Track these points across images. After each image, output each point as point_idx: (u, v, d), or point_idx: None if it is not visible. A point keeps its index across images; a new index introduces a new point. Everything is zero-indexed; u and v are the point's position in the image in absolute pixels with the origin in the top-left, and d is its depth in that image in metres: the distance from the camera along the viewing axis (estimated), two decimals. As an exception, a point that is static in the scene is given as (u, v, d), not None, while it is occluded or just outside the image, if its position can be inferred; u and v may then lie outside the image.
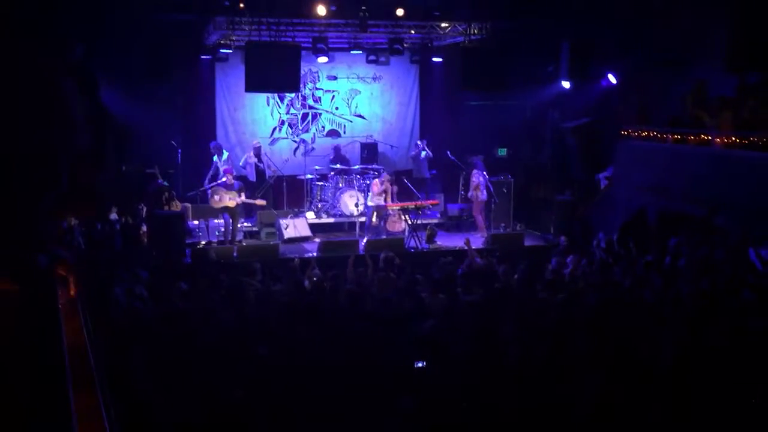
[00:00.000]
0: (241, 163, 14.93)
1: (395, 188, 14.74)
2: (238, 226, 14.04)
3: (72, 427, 1.95)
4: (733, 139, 12.00)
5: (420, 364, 6.35)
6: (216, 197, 13.26)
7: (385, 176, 14.40)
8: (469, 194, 14.69)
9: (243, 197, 13.34)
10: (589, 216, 14.28)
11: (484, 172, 14.60)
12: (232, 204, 13.22)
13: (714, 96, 13.03)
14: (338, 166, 15.35)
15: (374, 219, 14.22)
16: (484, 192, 14.54)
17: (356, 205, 14.52)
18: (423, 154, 15.73)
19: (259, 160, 14.85)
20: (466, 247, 11.65)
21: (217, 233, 13.81)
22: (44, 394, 2.10)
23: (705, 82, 13.03)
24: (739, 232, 10.72)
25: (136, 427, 3.47)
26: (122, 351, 4.96)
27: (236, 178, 13.70)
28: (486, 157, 15.65)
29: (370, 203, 14.25)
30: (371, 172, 15.41)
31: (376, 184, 14.25)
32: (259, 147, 15.05)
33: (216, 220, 14.12)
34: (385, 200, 14.22)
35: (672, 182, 12.78)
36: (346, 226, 14.77)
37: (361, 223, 14.50)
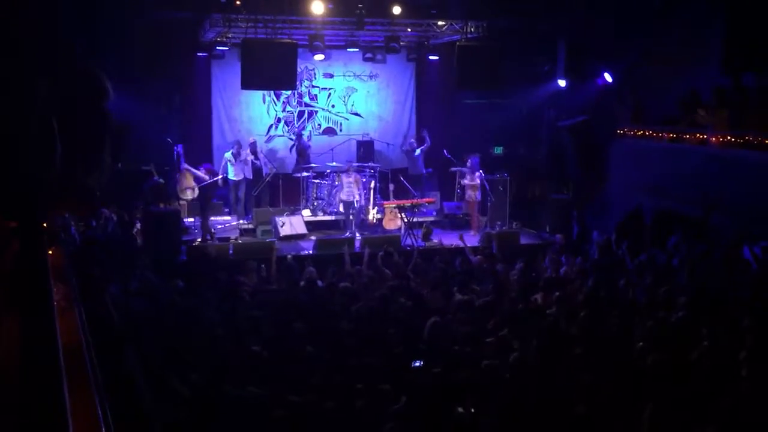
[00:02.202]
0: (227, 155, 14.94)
1: (363, 179, 14.81)
2: (234, 223, 14.07)
3: (67, 427, 1.95)
4: (729, 138, 12.03)
5: (417, 364, 6.34)
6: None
7: (350, 167, 14.44)
8: (467, 195, 14.63)
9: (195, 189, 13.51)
10: (585, 215, 14.30)
11: (480, 171, 14.64)
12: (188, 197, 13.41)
13: (709, 96, 13.06)
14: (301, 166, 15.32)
15: (351, 216, 14.20)
16: (480, 192, 14.59)
17: (341, 199, 14.52)
18: (417, 152, 15.67)
19: (256, 157, 14.84)
20: (461, 244, 11.68)
21: (212, 230, 13.79)
22: (39, 394, 2.10)
23: (697, 91, 13.04)
24: (735, 231, 10.75)
25: (131, 427, 3.46)
26: (118, 349, 4.96)
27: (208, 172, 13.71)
28: (482, 156, 15.67)
29: (343, 198, 14.25)
30: (367, 170, 15.40)
31: (344, 178, 14.30)
32: (255, 143, 15.04)
33: (212, 218, 14.11)
34: (359, 193, 14.27)
35: (667, 181, 12.81)
36: (342, 223, 14.77)
37: (362, 221, 14.51)
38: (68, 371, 2.25)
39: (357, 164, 15.11)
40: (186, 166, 13.82)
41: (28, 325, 2.55)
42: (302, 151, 15.44)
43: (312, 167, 15.27)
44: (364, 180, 14.84)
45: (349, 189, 14.17)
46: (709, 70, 12.71)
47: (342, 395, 5.80)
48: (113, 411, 2.54)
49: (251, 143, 14.99)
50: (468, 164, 14.62)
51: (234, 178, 14.35)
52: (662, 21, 13.65)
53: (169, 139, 14.74)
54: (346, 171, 14.33)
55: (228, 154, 14.42)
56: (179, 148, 14.07)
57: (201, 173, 13.47)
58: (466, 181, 14.61)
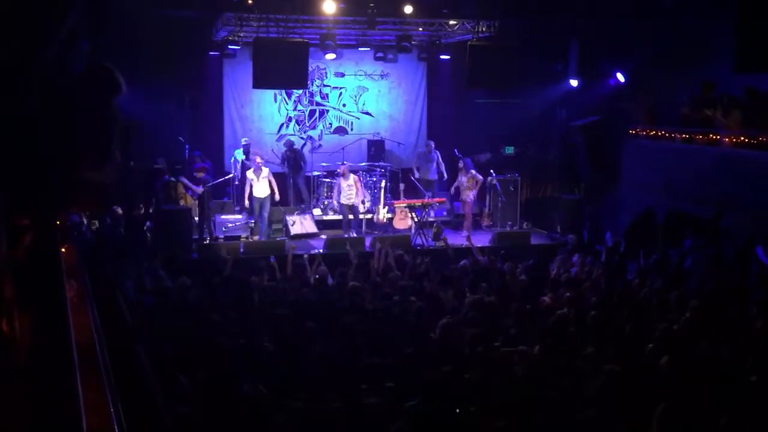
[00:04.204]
0: (233, 159, 14.89)
1: (374, 178, 14.78)
2: (245, 222, 14.11)
3: (80, 422, 1.97)
4: (742, 138, 11.96)
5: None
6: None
7: (344, 168, 14.23)
8: (472, 195, 14.54)
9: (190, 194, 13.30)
10: (597, 215, 14.24)
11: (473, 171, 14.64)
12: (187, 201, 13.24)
13: (723, 95, 12.98)
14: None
15: (350, 216, 14.08)
16: (475, 192, 14.58)
17: (363, 202, 14.50)
18: (434, 156, 15.31)
19: (247, 158, 14.75)
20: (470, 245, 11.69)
21: (224, 229, 13.83)
22: (52, 390, 2.12)
23: (713, 84, 12.94)
24: (747, 232, 10.69)
25: (143, 423, 3.48)
26: (130, 346, 4.98)
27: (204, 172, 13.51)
28: (494, 155, 15.62)
29: (343, 201, 14.06)
30: (378, 169, 15.39)
31: (341, 182, 14.07)
32: (249, 145, 14.97)
33: (223, 216, 14.14)
34: (357, 193, 14.12)
35: (679, 181, 12.74)
36: (352, 223, 14.78)
37: (368, 219, 14.49)
38: (81, 367, 2.26)
39: (353, 165, 14.99)
40: (181, 178, 13.45)
41: (42, 322, 2.56)
42: (299, 160, 15.18)
43: (360, 166, 15.18)
44: (374, 179, 14.81)
45: (348, 192, 14.05)
46: (722, 70, 12.62)
47: (350, 394, 5.80)
48: (125, 407, 2.56)
49: (245, 145, 14.93)
50: (460, 164, 14.59)
51: (260, 196, 13.58)
52: (674, 20, 13.57)
53: (180, 138, 14.78)
54: (342, 174, 14.12)
55: (250, 173, 13.65)
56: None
57: (192, 187, 13.22)
58: (462, 181, 14.54)
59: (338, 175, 14.34)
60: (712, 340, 7.08)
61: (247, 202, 13.68)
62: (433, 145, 15.38)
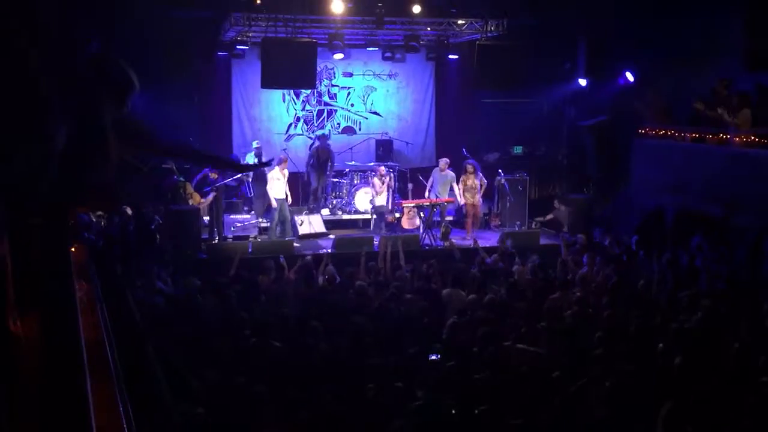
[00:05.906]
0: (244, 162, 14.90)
1: (395, 183, 14.68)
2: (253, 222, 14.11)
3: (89, 422, 1.97)
4: (752, 137, 11.90)
5: (434, 357, 6.31)
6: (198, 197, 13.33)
7: (380, 170, 14.19)
8: (466, 198, 14.40)
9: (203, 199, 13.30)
10: (606, 215, 14.22)
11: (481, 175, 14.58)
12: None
13: (733, 93, 12.93)
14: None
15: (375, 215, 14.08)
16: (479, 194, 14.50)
17: (371, 201, 14.51)
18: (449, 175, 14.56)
19: (259, 161, 14.70)
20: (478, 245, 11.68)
21: (232, 228, 13.86)
22: (62, 389, 2.14)
23: (730, 81, 12.87)
24: (758, 231, 10.65)
25: (152, 422, 3.48)
26: (139, 346, 4.99)
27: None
28: (502, 155, 15.57)
29: (378, 202, 14.05)
30: (386, 169, 15.36)
31: (377, 183, 14.05)
32: (260, 149, 14.92)
33: (232, 216, 14.15)
34: (388, 196, 14.11)
35: (690, 181, 12.69)
36: (360, 222, 14.78)
37: (376, 219, 14.49)
38: (91, 367, 2.27)
39: (361, 165, 15.01)
40: (202, 200, 13.38)
41: (51, 322, 2.57)
42: (330, 162, 15.02)
43: (368, 165, 15.13)
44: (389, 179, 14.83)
45: (382, 192, 14.03)
46: (731, 68, 12.57)
47: (354, 392, 5.80)
48: (134, 407, 2.56)
49: (257, 148, 14.89)
50: (469, 168, 14.46)
51: (280, 196, 13.39)
52: (683, 18, 13.52)
53: (190, 138, 14.79)
54: (383, 175, 14.11)
55: (277, 172, 13.39)
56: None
57: (208, 198, 13.25)
58: (475, 184, 14.40)
59: (375, 174, 14.29)
60: (723, 340, 7.05)
61: (274, 202, 13.38)
62: (449, 163, 14.53)
